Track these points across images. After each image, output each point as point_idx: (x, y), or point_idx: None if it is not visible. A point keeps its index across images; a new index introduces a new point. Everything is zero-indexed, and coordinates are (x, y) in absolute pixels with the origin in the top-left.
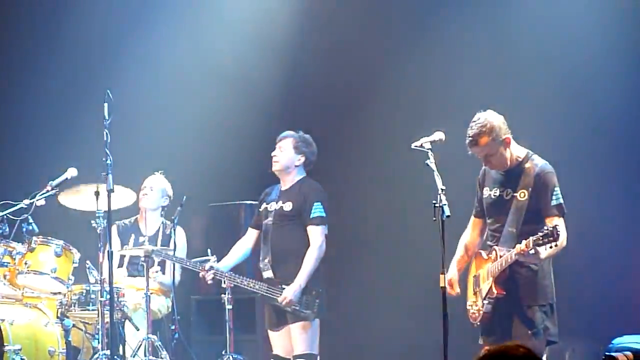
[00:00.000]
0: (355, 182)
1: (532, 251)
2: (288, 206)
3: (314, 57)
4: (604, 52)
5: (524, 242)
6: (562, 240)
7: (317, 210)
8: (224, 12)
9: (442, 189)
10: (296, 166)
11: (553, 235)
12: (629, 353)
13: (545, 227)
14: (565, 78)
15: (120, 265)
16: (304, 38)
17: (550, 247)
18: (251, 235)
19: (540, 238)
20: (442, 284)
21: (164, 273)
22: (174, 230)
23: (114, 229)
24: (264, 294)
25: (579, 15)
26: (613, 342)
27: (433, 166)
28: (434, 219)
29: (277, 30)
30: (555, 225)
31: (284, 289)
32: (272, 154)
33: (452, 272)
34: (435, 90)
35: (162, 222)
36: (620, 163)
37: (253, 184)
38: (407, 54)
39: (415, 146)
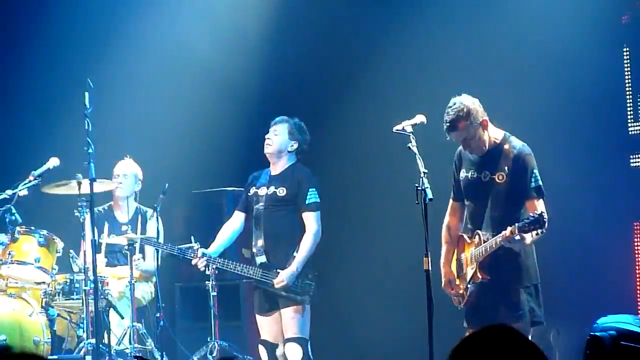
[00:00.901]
0: (338, 167)
1: (518, 237)
2: (282, 191)
3: (295, 44)
4: (581, 34)
5: (509, 228)
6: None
7: (313, 196)
8: (204, 3)
9: (424, 172)
10: (289, 151)
11: (539, 222)
12: (613, 332)
13: (532, 214)
14: (541, 60)
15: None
16: (285, 26)
17: (537, 234)
18: (238, 218)
19: (527, 225)
20: (425, 267)
21: (144, 260)
22: (158, 217)
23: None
24: (259, 278)
25: None
26: (598, 322)
27: (415, 149)
28: (417, 202)
29: (256, 18)
30: (542, 212)
31: (278, 273)
32: (266, 136)
33: (447, 271)
34: (417, 74)
35: (137, 208)
36: (600, 140)
37: (235, 171)
38: (387, 39)
39: (397, 130)
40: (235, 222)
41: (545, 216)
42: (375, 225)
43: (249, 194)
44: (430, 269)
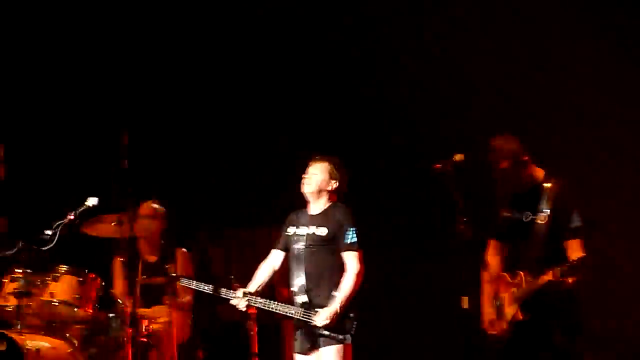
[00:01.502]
0: (376, 205)
1: (560, 280)
2: (322, 231)
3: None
4: None
5: (550, 272)
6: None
7: (352, 235)
8: None
9: (461, 210)
10: (328, 191)
11: (579, 267)
12: None
13: (574, 259)
14: None
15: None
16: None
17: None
18: (277, 257)
19: (567, 269)
20: (464, 306)
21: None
22: (196, 254)
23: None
24: (300, 318)
25: None
26: None
27: (453, 187)
28: (455, 240)
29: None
30: (583, 256)
31: (318, 313)
32: (304, 175)
33: (488, 311)
34: (455, 112)
35: (163, 246)
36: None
37: (273, 209)
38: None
39: (436, 168)
40: (274, 261)
41: (587, 261)
42: (415, 264)
43: (287, 233)
44: (468, 307)
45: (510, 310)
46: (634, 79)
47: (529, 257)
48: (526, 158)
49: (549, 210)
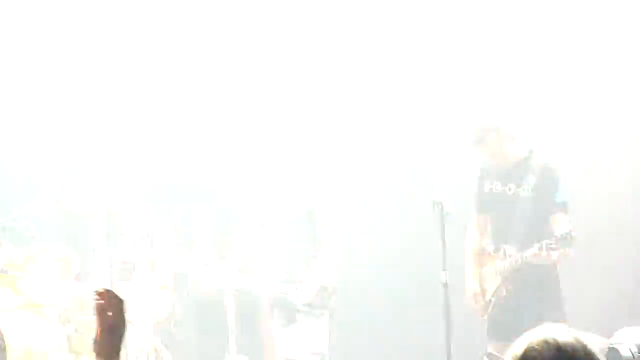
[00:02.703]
0: (355, 180)
1: (545, 254)
2: (299, 210)
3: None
4: None
5: (536, 245)
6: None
7: (329, 213)
8: None
9: (442, 185)
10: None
11: (568, 241)
12: (632, 345)
13: (560, 232)
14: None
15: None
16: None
17: (565, 252)
18: (255, 233)
19: (554, 243)
20: (443, 280)
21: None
22: (176, 231)
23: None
24: (277, 294)
25: None
26: (617, 334)
27: (433, 162)
28: (435, 215)
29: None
30: (570, 230)
31: (296, 288)
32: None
33: (472, 285)
34: (436, 87)
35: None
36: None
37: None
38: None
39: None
40: (252, 236)
41: (574, 234)
42: (394, 238)
43: (266, 209)
44: (448, 281)
45: (494, 284)
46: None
47: (514, 231)
48: (510, 130)
49: (533, 184)
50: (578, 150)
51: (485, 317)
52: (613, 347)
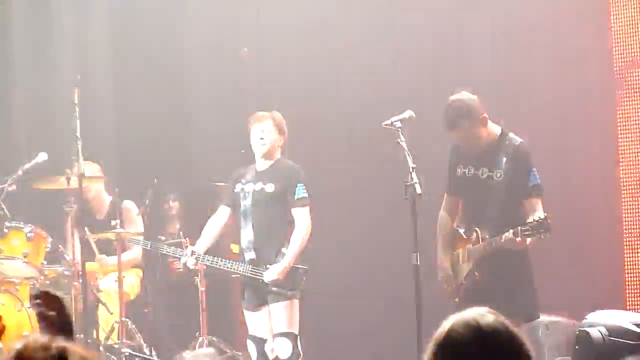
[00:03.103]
0: (327, 162)
1: (519, 239)
2: (270, 187)
3: (283, 37)
4: None
5: (511, 231)
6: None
7: (301, 191)
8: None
9: (412, 167)
10: (278, 147)
11: (543, 227)
12: (602, 328)
13: (536, 218)
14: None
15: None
16: (273, 20)
17: (540, 237)
18: (224, 212)
19: (530, 229)
20: (414, 262)
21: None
22: (145, 212)
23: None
24: (248, 274)
25: None
26: (587, 317)
27: (404, 144)
28: (406, 197)
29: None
30: (545, 215)
31: (268, 268)
32: (259, 136)
33: (444, 266)
34: (406, 69)
35: (112, 202)
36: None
37: (224, 166)
38: (375, 34)
39: (386, 125)
40: (221, 217)
41: (549, 220)
42: (365, 220)
43: (234, 190)
44: (419, 264)
45: (465, 267)
46: None
47: (486, 215)
48: (484, 115)
49: (506, 167)
50: (550, 133)
51: (457, 299)
52: (584, 330)
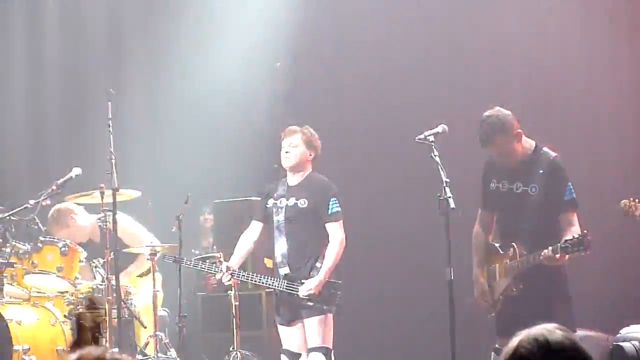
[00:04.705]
0: (360, 176)
1: (558, 256)
2: (303, 203)
3: (317, 49)
4: None
5: (550, 248)
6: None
7: (334, 205)
8: (228, 14)
9: (446, 182)
10: (307, 161)
11: (583, 244)
12: (636, 342)
13: (575, 235)
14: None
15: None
16: (306, 34)
17: (580, 254)
18: (256, 228)
19: (570, 246)
20: (448, 278)
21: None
22: (180, 227)
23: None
24: (283, 290)
25: None
26: (621, 331)
27: (437, 159)
28: (439, 211)
29: (281, 13)
30: (585, 232)
31: (303, 283)
32: (284, 150)
33: (480, 282)
34: (439, 85)
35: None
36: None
37: (258, 181)
38: (411, 46)
39: (419, 139)
40: (253, 233)
41: (589, 237)
42: (398, 234)
43: (267, 205)
44: (452, 278)
45: (502, 283)
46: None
47: (522, 229)
48: (518, 130)
49: (541, 182)
50: (584, 148)
51: (493, 314)
52: (618, 345)
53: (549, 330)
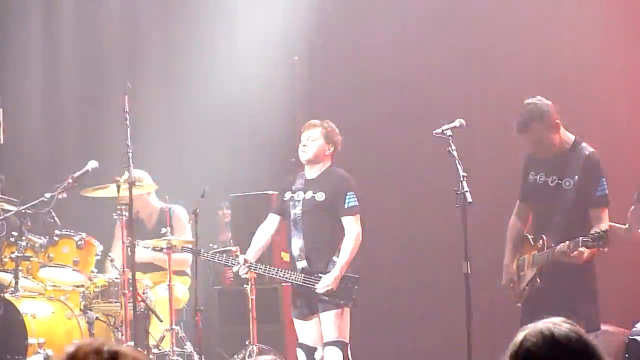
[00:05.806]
0: (377, 170)
1: (575, 253)
2: (320, 196)
3: (334, 45)
4: None
5: (568, 242)
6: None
7: (351, 199)
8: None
9: (463, 176)
10: (325, 155)
11: (602, 239)
12: None
13: (597, 230)
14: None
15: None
16: (324, 29)
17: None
18: (274, 221)
19: (590, 241)
20: (464, 271)
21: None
22: (196, 220)
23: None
24: (301, 283)
25: None
26: (636, 326)
27: (454, 153)
28: (456, 205)
29: (299, 7)
30: (606, 229)
31: (320, 277)
32: (302, 143)
33: (510, 271)
34: (457, 81)
35: (161, 209)
36: None
37: (275, 174)
38: (428, 43)
39: (437, 133)
40: (270, 225)
41: (610, 234)
42: (415, 228)
43: (284, 198)
44: (469, 272)
45: (529, 273)
46: None
47: (554, 223)
48: (557, 120)
49: (576, 177)
50: (620, 142)
51: (519, 304)
52: (633, 339)
53: (555, 323)
